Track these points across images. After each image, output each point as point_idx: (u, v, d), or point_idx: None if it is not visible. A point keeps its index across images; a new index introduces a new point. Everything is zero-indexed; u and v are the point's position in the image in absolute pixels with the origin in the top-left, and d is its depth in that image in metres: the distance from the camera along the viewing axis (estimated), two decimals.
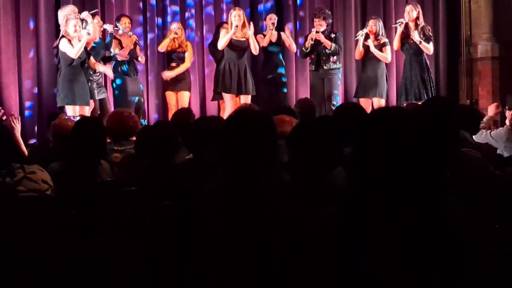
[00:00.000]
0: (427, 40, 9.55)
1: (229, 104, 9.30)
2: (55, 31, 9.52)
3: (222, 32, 9.50)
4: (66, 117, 7.54)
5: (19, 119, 6.19)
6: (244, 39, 9.38)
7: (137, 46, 9.77)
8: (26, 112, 9.90)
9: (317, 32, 9.69)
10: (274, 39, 9.96)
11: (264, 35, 9.98)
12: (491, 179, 3.87)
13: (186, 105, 9.74)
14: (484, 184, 3.69)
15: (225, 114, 9.08)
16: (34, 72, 9.98)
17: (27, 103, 9.94)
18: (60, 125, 5.77)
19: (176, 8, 11.07)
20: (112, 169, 4.63)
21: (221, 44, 9.39)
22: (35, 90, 10.00)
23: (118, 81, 9.56)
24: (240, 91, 9.38)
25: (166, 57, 10.10)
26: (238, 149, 2.60)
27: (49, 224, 3.68)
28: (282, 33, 10.11)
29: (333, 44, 9.69)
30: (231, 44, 9.36)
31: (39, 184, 3.90)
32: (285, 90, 10.35)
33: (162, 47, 9.88)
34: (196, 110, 10.61)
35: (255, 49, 9.51)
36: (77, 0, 10.05)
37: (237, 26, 9.24)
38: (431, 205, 2.18)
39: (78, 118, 6.76)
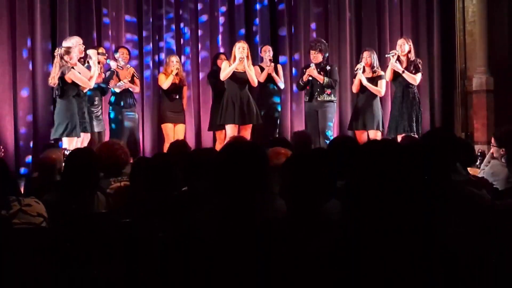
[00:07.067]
0: (417, 71, 9.56)
1: (230, 135, 9.19)
2: (51, 62, 9.52)
3: (224, 63, 9.52)
4: (66, 150, 7.59)
5: (2, 149, 6.19)
6: (244, 71, 9.40)
7: (135, 78, 9.79)
8: (22, 143, 9.89)
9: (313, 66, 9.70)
10: (270, 71, 9.97)
11: (260, 67, 9.99)
12: (489, 211, 3.88)
13: (182, 137, 9.77)
14: (483, 216, 3.70)
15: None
16: (30, 103, 9.99)
17: (23, 134, 9.93)
18: (44, 158, 5.85)
19: (172, 40, 11.13)
20: (107, 200, 4.62)
21: (224, 75, 9.41)
22: (31, 121, 10.00)
23: (114, 113, 9.58)
24: (243, 121, 9.40)
25: (164, 91, 9.99)
26: (230, 178, 2.64)
27: (43, 255, 3.67)
28: (278, 65, 10.15)
29: (326, 78, 9.67)
30: (233, 76, 9.39)
31: (34, 217, 3.89)
32: (279, 122, 10.39)
33: (167, 84, 9.83)
34: (191, 142, 10.64)
35: (252, 82, 9.53)
36: (73, 30, 10.11)
37: (241, 58, 9.27)
38: (425, 233, 2.20)
39: (69, 151, 6.80)
